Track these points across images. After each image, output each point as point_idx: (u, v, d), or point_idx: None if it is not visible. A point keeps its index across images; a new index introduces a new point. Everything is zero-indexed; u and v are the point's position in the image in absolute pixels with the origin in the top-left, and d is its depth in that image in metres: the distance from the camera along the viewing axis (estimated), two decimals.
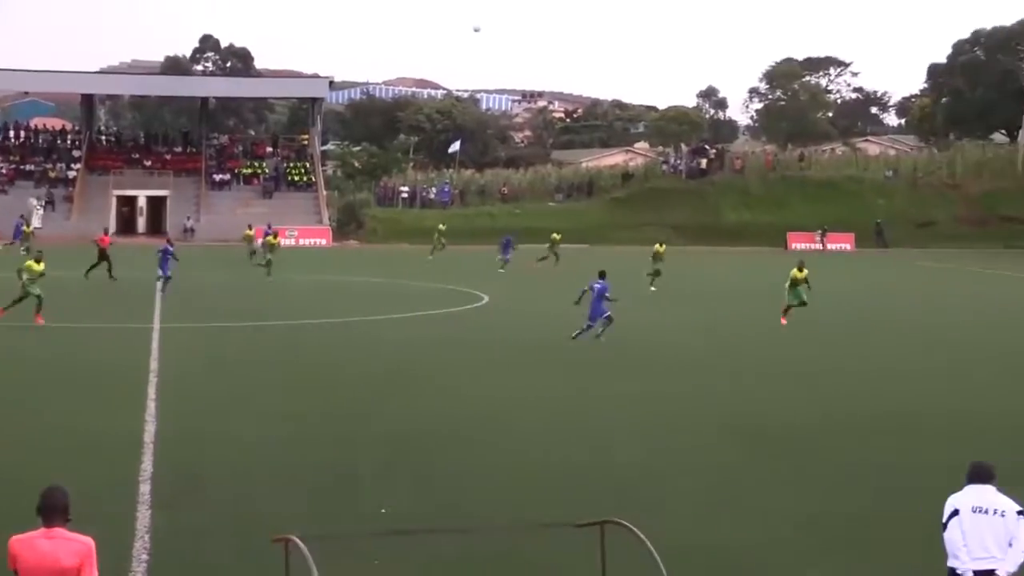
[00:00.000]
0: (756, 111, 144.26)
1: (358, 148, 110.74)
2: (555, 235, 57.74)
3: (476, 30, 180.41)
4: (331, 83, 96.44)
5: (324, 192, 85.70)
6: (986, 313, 41.04)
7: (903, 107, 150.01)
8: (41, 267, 31.91)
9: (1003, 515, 9.55)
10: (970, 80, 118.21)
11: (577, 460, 17.85)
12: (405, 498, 15.26)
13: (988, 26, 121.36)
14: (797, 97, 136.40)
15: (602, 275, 30.89)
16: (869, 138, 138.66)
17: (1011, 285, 53.43)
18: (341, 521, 13.70)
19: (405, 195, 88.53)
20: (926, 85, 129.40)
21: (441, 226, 62.95)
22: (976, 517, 9.55)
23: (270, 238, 51.62)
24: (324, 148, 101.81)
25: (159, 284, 40.71)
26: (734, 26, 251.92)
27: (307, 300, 41.97)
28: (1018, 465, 13.37)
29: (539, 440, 19.19)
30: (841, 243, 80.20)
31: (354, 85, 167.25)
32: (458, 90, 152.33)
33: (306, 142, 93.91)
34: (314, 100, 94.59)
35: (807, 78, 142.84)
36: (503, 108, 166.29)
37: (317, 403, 21.75)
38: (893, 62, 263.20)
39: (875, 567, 13.18)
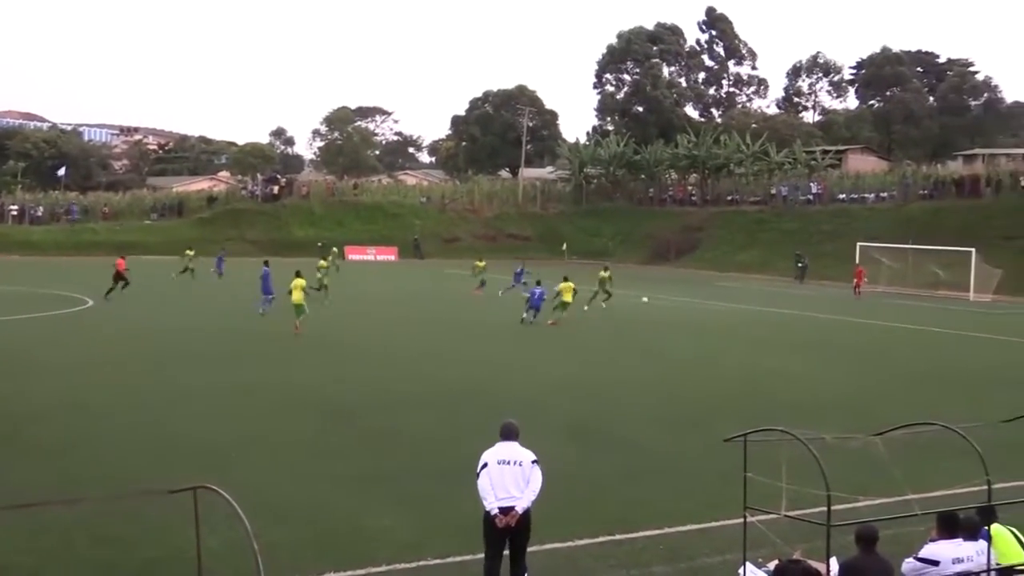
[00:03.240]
0: (319, 148, 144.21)
1: None
2: (188, 250, 56.06)
3: None
4: None
5: None
6: (488, 305, 42.74)
7: (433, 148, 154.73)
8: None
9: (520, 464, 9.94)
10: (482, 129, 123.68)
11: (175, 433, 17.28)
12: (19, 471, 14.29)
13: (495, 88, 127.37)
14: (351, 138, 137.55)
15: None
16: (407, 171, 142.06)
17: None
18: None
19: (15, 213, 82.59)
20: (450, 131, 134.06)
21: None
22: (501, 467, 9.89)
23: None
24: None
25: None
26: (300, 76, 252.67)
27: None
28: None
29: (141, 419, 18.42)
30: (387, 255, 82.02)
31: None
32: (63, 123, 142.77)
33: None
34: None
35: (359, 123, 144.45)
36: (104, 140, 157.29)
37: None
38: (425, 112, 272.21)
39: (415, 508, 13.28)
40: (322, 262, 47.06)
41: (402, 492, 14.23)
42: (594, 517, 13.01)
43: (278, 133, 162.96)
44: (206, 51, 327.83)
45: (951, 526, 9.31)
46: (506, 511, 9.74)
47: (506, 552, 10.06)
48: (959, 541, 9.27)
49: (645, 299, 47.60)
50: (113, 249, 61.67)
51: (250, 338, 30.99)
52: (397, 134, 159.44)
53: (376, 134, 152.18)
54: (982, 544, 9.52)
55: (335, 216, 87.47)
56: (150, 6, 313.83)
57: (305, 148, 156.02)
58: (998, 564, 9.45)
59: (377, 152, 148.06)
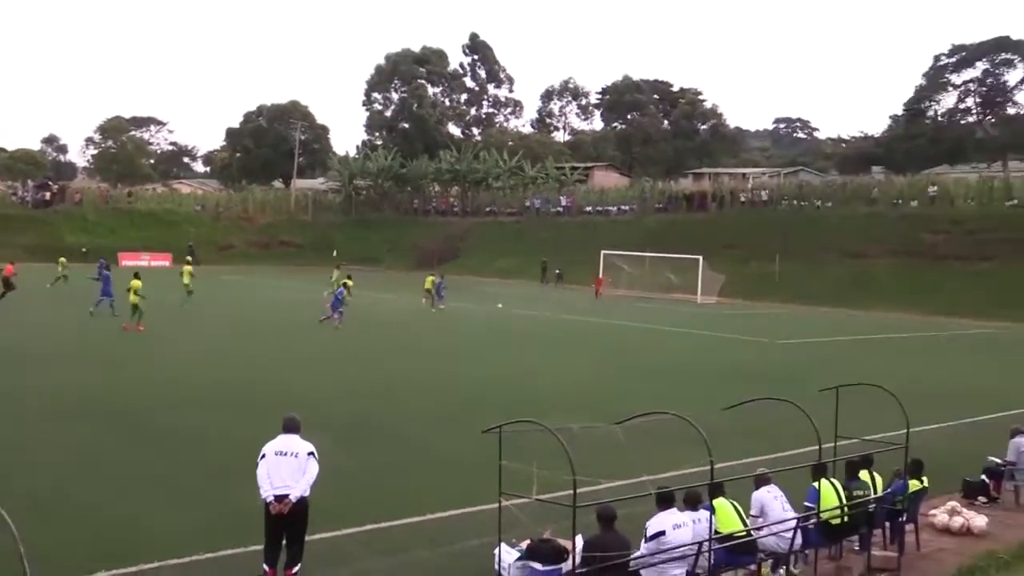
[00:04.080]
0: (92, 156, 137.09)
1: None
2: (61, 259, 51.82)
3: None
4: None
5: None
6: (270, 306, 41.86)
7: (208, 158, 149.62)
8: None
9: (296, 455, 9.90)
10: (256, 141, 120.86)
11: None
12: None
13: (269, 102, 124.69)
14: (125, 147, 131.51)
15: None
16: (182, 180, 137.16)
17: (284, 290, 54.95)
18: None
19: None
20: (225, 143, 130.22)
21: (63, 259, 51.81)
22: (278, 458, 9.86)
23: None
24: None
25: None
26: (74, 84, 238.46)
27: None
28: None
29: None
30: (162, 260, 78.69)
31: None
32: None
33: None
34: None
35: (133, 132, 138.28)
36: None
37: None
38: (200, 123, 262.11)
39: (192, 504, 12.90)
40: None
41: (179, 489, 13.75)
42: (363, 507, 12.96)
43: (50, 140, 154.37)
44: None
45: (666, 500, 9.87)
46: (280, 499, 9.65)
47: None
48: (674, 510, 9.87)
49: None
50: None
51: (30, 342, 29.09)
52: (172, 144, 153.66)
53: (151, 143, 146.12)
54: (702, 513, 10.14)
55: (108, 223, 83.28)
56: None
57: (78, 156, 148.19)
58: (718, 532, 10.09)
59: (152, 161, 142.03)
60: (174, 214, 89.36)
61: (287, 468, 9.80)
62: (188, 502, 13.17)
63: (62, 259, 52.24)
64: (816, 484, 11.22)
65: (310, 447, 10.01)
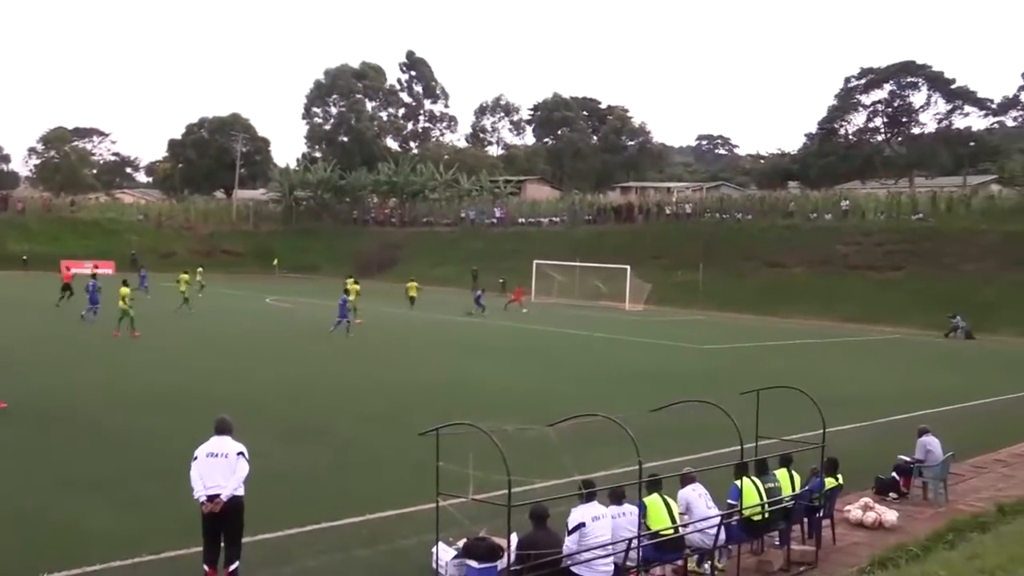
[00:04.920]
0: (35, 165, 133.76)
1: None
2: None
3: None
4: None
5: None
6: (215, 313, 41.19)
7: (151, 169, 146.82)
8: None
9: (227, 456, 9.86)
10: (198, 152, 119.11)
11: None
12: None
13: (211, 114, 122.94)
14: (68, 157, 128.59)
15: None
16: (125, 190, 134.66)
17: (226, 297, 54.20)
18: None
19: None
20: (167, 153, 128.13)
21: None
22: (209, 459, 9.83)
23: None
24: None
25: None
26: (15, 94, 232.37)
27: None
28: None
29: None
30: (105, 269, 77.09)
31: None
32: None
33: None
34: None
35: (76, 143, 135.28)
36: None
37: None
38: (143, 134, 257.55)
39: (134, 507, 12.65)
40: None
41: (122, 493, 13.45)
42: (304, 508, 12.81)
43: None
44: None
45: (588, 496, 9.90)
46: (212, 498, 9.61)
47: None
48: (595, 504, 9.89)
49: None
50: None
51: None
52: (115, 154, 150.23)
53: (93, 154, 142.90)
54: (627, 507, 10.19)
55: (51, 231, 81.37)
56: None
57: (21, 165, 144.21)
58: (648, 528, 10.14)
59: (94, 171, 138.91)
60: (117, 223, 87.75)
61: (218, 468, 9.77)
62: (131, 504, 12.89)
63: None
64: (738, 482, 11.34)
65: (240, 447, 9.95)
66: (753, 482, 11.52)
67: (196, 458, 9.83)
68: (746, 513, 11.25)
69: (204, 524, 9.74)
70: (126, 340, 32.06)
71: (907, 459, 15.49)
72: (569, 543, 9.56)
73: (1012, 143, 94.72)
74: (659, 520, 10.44)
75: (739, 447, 11.49)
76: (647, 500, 10.48)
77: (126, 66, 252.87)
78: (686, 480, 11.40)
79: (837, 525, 12.92)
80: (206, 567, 9.68)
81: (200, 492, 9.65)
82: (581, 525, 9.59)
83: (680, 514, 10.87)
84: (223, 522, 9.68)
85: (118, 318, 33.15)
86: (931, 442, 15.34)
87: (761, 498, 11.43)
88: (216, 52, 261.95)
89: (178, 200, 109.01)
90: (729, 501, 11.37)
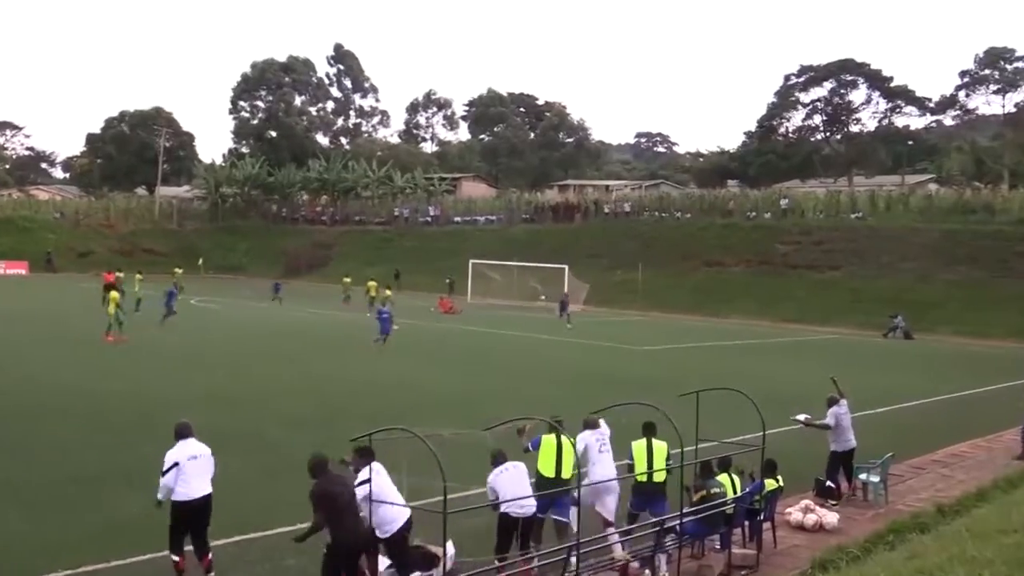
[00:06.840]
0: None
1: None
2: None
3: None
4: None
5: None
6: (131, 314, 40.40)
7: (68, 164, 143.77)
8: None
9: (205, 456, 10.56)
10: (118, 147, 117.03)
11: None
12: None
13: (131, 108, 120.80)
14: None
15: None
16: (40, 187, 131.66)
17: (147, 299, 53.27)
18: None
19: None
20: (85, 148, 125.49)
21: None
22: (192, 463, 10.41)
23: None
24: None
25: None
26: None
27: None
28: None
29: None
30: (18, 269, 75.37)
31: None
32: None
33: None
34: None
35: None
36: None
37: None
38: (59, 128, 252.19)
39: (52, 515, 12.37)
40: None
41: (40, 500, 13.14)
42: (234, 518, 12.60)
43: None
44: None
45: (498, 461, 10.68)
46: (204, 499, 10.37)
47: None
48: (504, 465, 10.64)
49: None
50: None
51: None
52: (29, 149, 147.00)
53: (6, 148, 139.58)
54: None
55: None
56: None
57: None
58: (540, 474, 11.27)
59: (7, 166, 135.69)
60: (31, 221, 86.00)
61: (201, 470, 10.43)
62: (49, 512, 12.61)
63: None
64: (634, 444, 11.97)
65: (208, 447, 10.64)
66: (649, 442, 11.90)
67: (178, 464, 10.26)
68: (639, 478, 11.77)
69: (181, 521, 10.22)
70: (48, 340, 31.41)
71: (810, 419, 16.21)
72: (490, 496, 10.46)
73: (950, 142, 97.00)
74: (546, 465, 11.13)
75: (679, 450, 11.58)
76: (543, 438, 11.25)
77: (41, 56, 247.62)
78: (590, 424, 11.97)
79: (778, 528, 13.08)
80: (176, 557, 10.17)
81: (194, 496, 10.21)
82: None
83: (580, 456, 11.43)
84: (202, 518, 10.36)
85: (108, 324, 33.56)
86: (840, 412, 15.69)
87: (650, 461, 11.79)
88: (137, 42, 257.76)
89: (97, 197, 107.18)
90: (627, 462, 12.01)
